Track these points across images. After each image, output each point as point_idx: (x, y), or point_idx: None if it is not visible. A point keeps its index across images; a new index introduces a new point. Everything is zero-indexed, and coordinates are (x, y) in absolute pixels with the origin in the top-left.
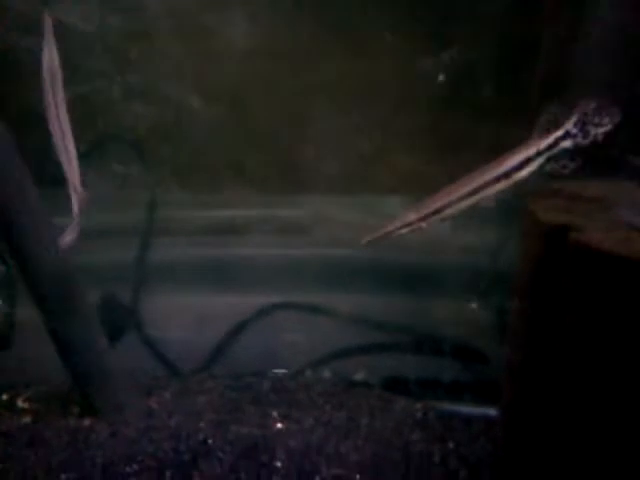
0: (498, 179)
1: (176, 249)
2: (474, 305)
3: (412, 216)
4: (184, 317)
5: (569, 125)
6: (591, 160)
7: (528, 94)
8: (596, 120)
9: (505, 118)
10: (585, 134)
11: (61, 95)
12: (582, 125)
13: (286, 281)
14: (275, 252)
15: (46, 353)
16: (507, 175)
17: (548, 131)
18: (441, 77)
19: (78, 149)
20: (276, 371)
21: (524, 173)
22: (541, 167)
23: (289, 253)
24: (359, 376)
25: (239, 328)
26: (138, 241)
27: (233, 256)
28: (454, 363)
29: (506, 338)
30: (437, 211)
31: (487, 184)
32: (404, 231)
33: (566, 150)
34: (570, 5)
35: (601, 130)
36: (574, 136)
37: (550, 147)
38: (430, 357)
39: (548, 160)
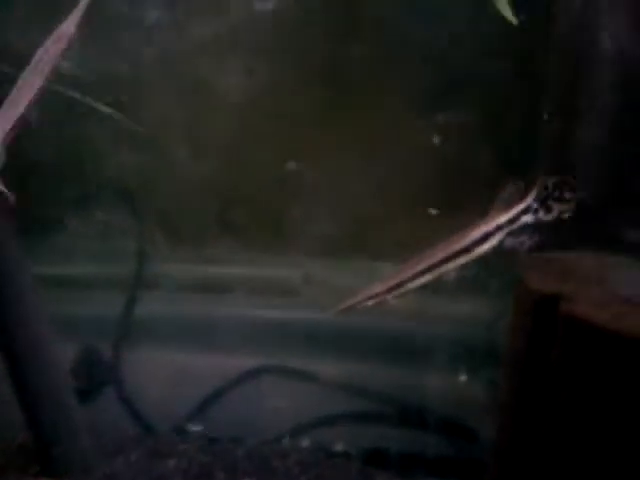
0: (459, 253)
1: (160, 304)
2: (464, 378)
3: (377, 288)
4: (164, 375)
5: (529, 200)
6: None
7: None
8: (557, 195)
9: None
10: (547, 209)
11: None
12: (543, 200)
13: (270, 344)
14: (260, 313)
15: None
16: (468, 250)
17: (510, 205)
18: (437, 140)
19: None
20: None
21: (485, 248)
22: (501, 243)
23: (274, 315)
24: (339, 447)
25: (220, 390)
26: (122, 294)
27: (218, 315)
28: (440, 438)
29: (495, 414)
30: (400, 284)
31: (448, 258)
32: (370, 303)
33: (527, 226)
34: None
35: (564, 206)
36: (535, 211)
37: (511, 222)
38: (415, 430)
39: (508, 235)
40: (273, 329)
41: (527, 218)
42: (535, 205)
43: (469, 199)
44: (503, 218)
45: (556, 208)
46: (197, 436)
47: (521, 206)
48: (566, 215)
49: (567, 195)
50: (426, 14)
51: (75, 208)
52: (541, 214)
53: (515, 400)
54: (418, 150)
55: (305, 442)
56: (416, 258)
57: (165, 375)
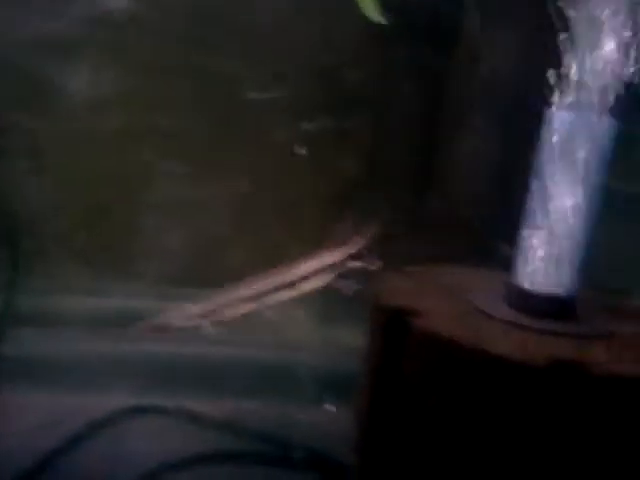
0: (285, 287)
1: (29, 341)
2: (332, 407)
3: (193, 310)
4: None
5: (361, 246)
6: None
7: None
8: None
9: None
10: (374, 260)
11: None
12: (371, 250)
13: (145, 381)
14: (127, 348)
15: None
16: (292, 284)
17: (341, 244)
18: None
19: None
20: None
21: (312, 285)
22: (328, 282)
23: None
24: None
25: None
26: None
27: (90, 352)
28: (307, 475)
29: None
30: (218, 309)
31: (273, 290)
32: (184, 324)
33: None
34: None
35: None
36: (364, 258)
37: (341, 263)
38: (279, 468)
39: (337, 276)
40: (149, 366)
41: (356, 264)
42: (364, 252)
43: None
44: (333, 257)
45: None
46: None
47: (352, 250)
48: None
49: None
50: None
51: None
52: (368, 262)
53: (369, 418)
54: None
55: None
56: (240, 286)
57: (26, 418)
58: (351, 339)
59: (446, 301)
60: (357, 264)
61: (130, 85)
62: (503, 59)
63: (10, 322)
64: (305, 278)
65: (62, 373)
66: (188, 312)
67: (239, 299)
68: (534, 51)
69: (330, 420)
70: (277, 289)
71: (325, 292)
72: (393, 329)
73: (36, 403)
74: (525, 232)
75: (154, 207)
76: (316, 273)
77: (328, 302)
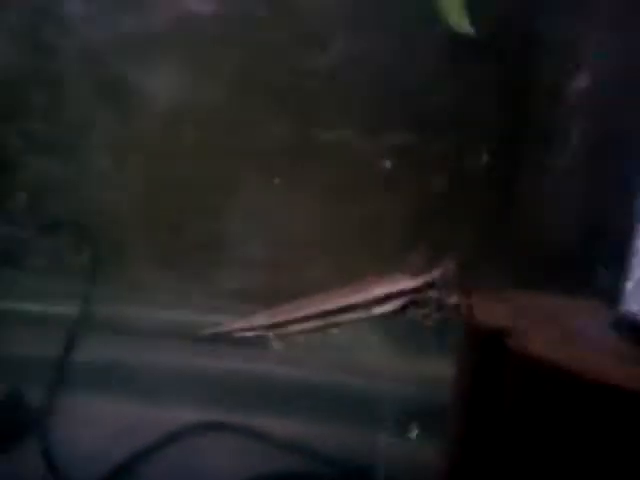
0: (356, 308)
1: (101, 349)
2: (411, 435)
3: (259, 321)
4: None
5: (437, 275)
6: None
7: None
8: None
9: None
10: (451, 292)
11: None
12: (449, 282)
13: (214, 397)
14: (204, 363)
15: None
16: (366, 306)
17: (416, 272)
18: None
19: None
20: None
21: (385, 309)
22: (403, 308)
23: (222, 366)
24: None
25: (153, 445)
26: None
27: (161, 363)
28: None
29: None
30: (284, 323)
31: (343, 310)
32: (248, 334)
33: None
34: None
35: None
36: (439, 289)
37: (416, 291)
38: None
39: (411, 303)
40: (219, 381)
41: (433, 293)
42: (440, 283)
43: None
44: (409, 284)
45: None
46: None
47: (428, 279)
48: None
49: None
50: None
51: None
52: (444, 294)
53: (461, 446)
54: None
55: None
56: (309, 300)
57: (98, 427)
58: (428, 369)
59: (544, 325)
60: (434, 294)
61: (214, 91)
62: (600, 75)
63: (84, 330)
64: (378, 301)
65: (133, 382)
66: (252, 322)
67: (306, 315)
68: None
69: (407, 449)
70: (347, 310)
71: (399, 319)
72: (490, 350)
73: (108, 411)
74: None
75: (233, 218)
76: (390, 298)
77: (403, 329)
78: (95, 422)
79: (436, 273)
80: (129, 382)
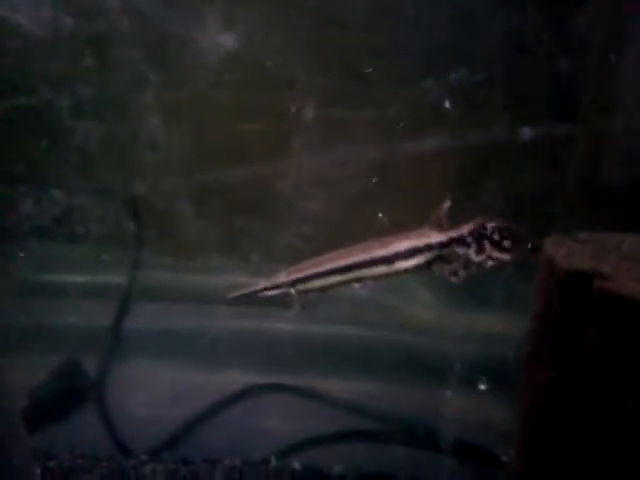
0: (378, 262)
1: (154, 316)
2: (486, 400)
3: (282, 279)
4: (152, 392)
5: (465, 232)
6: None
7: None
8: (495, 239)
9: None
10: (479, 250)
11: None
12: (479, 239)
13: (269, 359)
14: (256, 325)
15: None
16: (389, 260)
17: (443, 227)
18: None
19: None
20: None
21: (409, 264)
22: (428, 264)
23: (271, 327)
24: (336, 469)
25: (208, 410)
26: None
27: (212, 328)
28: (456, 463)
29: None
30: (306, 279)
31: (365, 265)
32: (272, 293)
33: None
34: None
35: (498, 254)
36: (467, 245)
37: (442, 246)
38: (425, 452)
39: (437, 259)
40: (271, 343)
41: (459, 249)
42: (470, 239)
43: None
44: (435, 239)
45: (489, 252)
46: (171, 458)
47: (456, 234)
48: (496, 264)
49: (506, 244)
50: None
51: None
52: (472, 252)
53: (542, 391)
54: None
55: (296, 465)
56: (330, 256)
57: (153, 392)
58: (483, 323)
59: (625, 265)
60: (462, 249)
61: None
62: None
63: (136, 297)
64: (401, 256)
65: (187, 347)
66: (275, 281)
67: (326, 271)
68: None
69: (473, 404)
70: (368, 264)
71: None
72: (574, 293)
73: (163, 377)
74: None
75: (284, 181)
76: (415, 252)
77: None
78: (151, 388)
79: (465, 229)
80: (182, 347)
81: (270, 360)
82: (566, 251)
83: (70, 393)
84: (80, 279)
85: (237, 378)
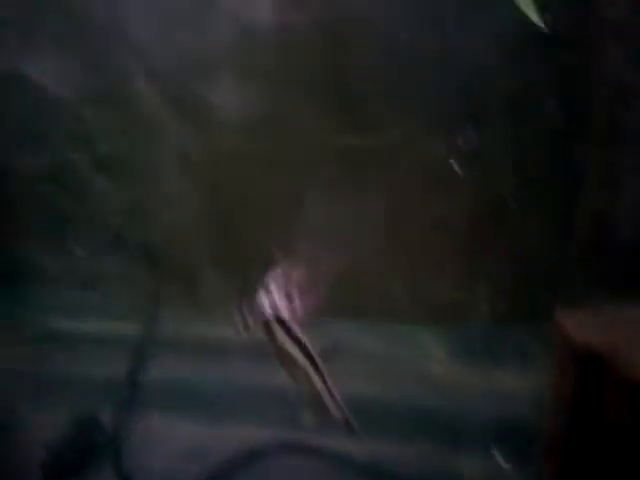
0: None
1: (171, 367)
2: (503, 463)
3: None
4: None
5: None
6: None
7: None
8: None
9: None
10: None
11: None
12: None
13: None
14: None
15: None
16: None
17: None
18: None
19: None
20: None
21: None
22: None
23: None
24: None
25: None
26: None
27: (234, 382)
28: None
29: None
30: None
31: None
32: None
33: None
34: None
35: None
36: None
37: None
38: None
39: None
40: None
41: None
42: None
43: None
44: None
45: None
46: None
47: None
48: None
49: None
50: None
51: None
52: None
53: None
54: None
55: None
56: None
57: (171, 446)
58: (500, 381)
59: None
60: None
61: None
62: None
63: (151, 348)
64: None
65: (204, 400)
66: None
67: None
68: None
69: (489, 470)
70: None
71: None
72: (590, 371)
73: (178, 431)
74: None
75: (299, 234)
76: None
77: (468, 342)
78: (168, 441)
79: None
80: (199, 400)
81: (286, 415)
82: (579, 324)
83: (88, 447)
84: (95, 328)
85: (253, 433)
